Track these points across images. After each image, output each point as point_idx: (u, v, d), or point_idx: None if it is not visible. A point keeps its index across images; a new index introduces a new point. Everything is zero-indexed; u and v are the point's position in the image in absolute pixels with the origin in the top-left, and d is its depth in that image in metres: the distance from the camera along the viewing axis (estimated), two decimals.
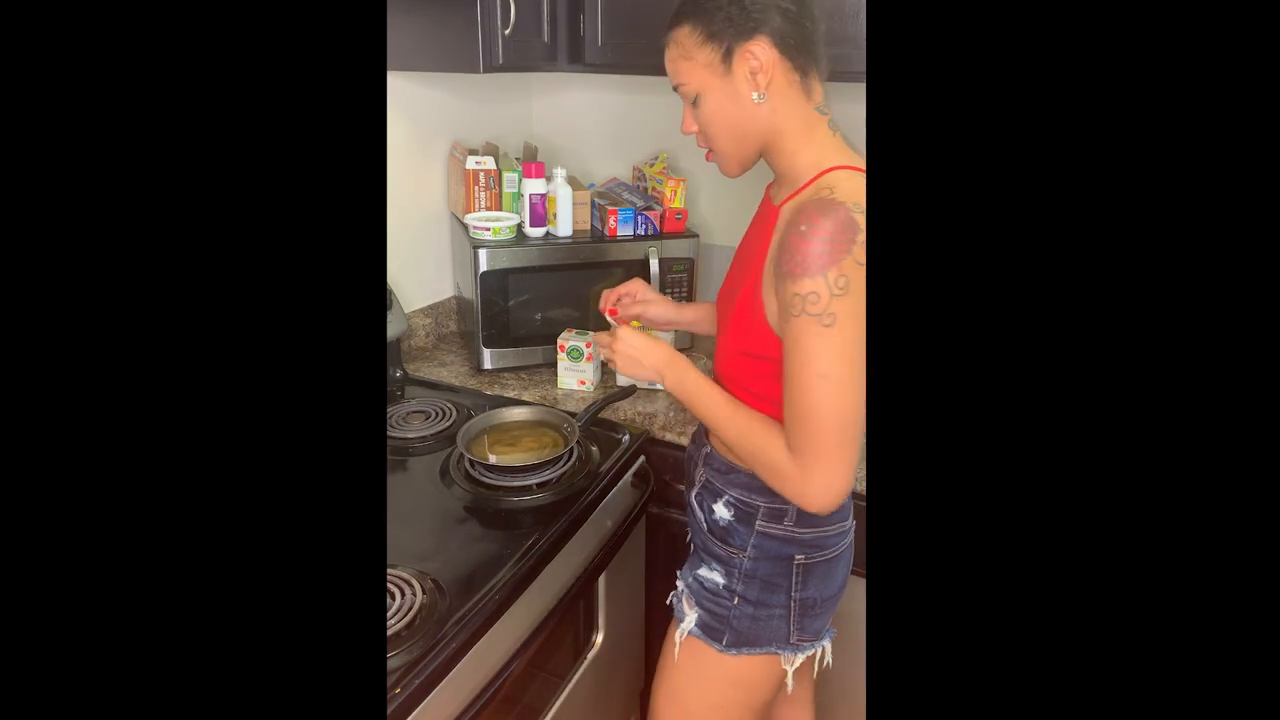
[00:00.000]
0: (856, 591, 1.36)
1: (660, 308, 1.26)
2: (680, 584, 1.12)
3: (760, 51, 0.87)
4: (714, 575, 1.04)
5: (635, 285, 1.25)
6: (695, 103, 0.93)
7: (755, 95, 0.89)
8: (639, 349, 1.04)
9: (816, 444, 0.85)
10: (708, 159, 0.99)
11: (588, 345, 1.53)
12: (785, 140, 0.92)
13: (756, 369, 0.94)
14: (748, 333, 0.93)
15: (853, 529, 1.07)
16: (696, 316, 1.28)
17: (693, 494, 1.10)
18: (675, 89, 0.95)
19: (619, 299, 1.24)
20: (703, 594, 1.05)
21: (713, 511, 1.05)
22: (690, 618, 1.06)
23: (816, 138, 0.92)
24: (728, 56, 0.89)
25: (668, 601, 1.15)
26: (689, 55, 0.91)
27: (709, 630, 1.04)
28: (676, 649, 1.08)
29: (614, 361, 1.06)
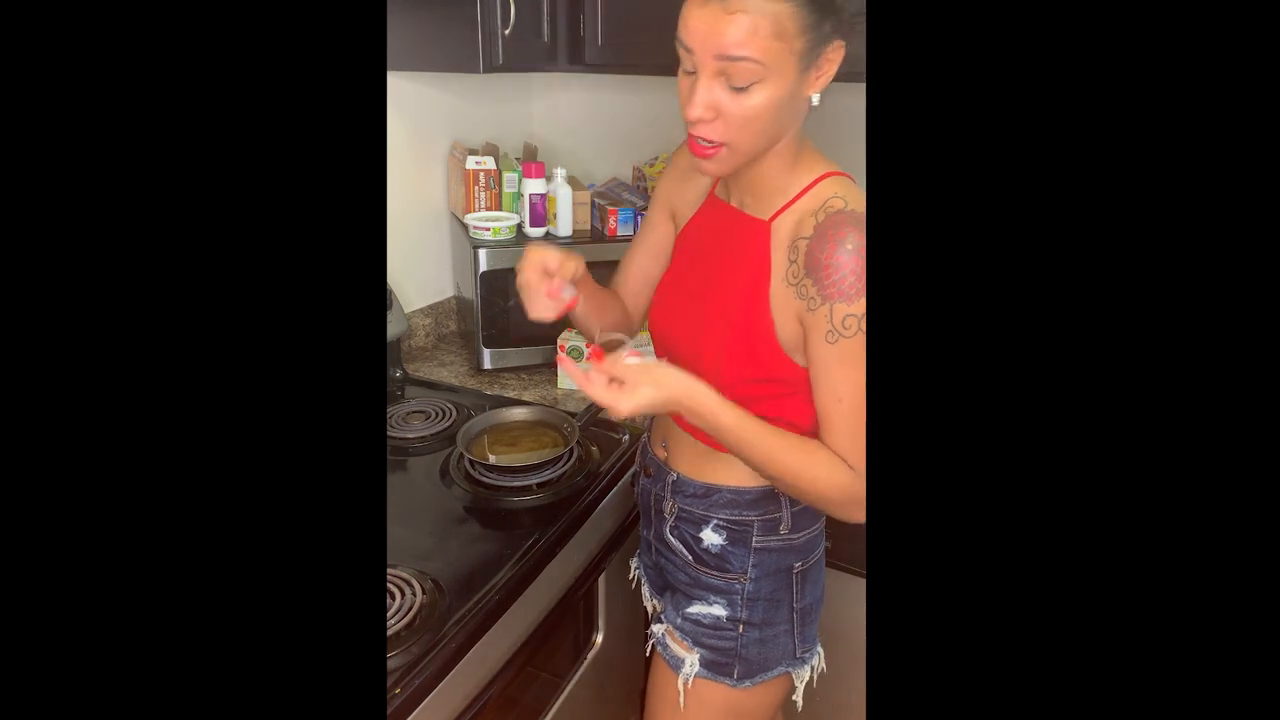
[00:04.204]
0: (851, 592, 1.36)
1: (576, 264, 0.96)
2: (660, 629, 1.03)
3: (837, 54, 0.79)
4: (712, 609, 0.98)
5: (540, 259, 0.91)
6: (746, 88, 0.76)
7: (816, 98, 0.81)
8: (654, 402, 0.82)
9: None
10: (704, 154, 0.82)
11: (588, 345, 1.52)
12: (789, 147, 0.85)
13: (762, 393, 0.88)
14: (754, 359, 0.87)
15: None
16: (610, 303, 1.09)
17: (666, 529, 1.02)
18: (728, 58, 0.75)
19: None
20: (701, 631, 0.98)
21: (700, 541, 0.98)
22: (691, 660, 0.99)
23: (805, 144, 0.88)
24: (818, 51, 0.77)
25: (648, 652, 1.07)
26: (784, 35, 0.74)
27: (716, 667, 0.98)
28: (682, 697, 1.00)
29: (619, 408, 0.82)
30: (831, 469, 0.83)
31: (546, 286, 0.91)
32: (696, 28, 0.76)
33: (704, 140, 0.81)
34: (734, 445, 0.85)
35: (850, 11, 0.78)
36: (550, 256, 0.92)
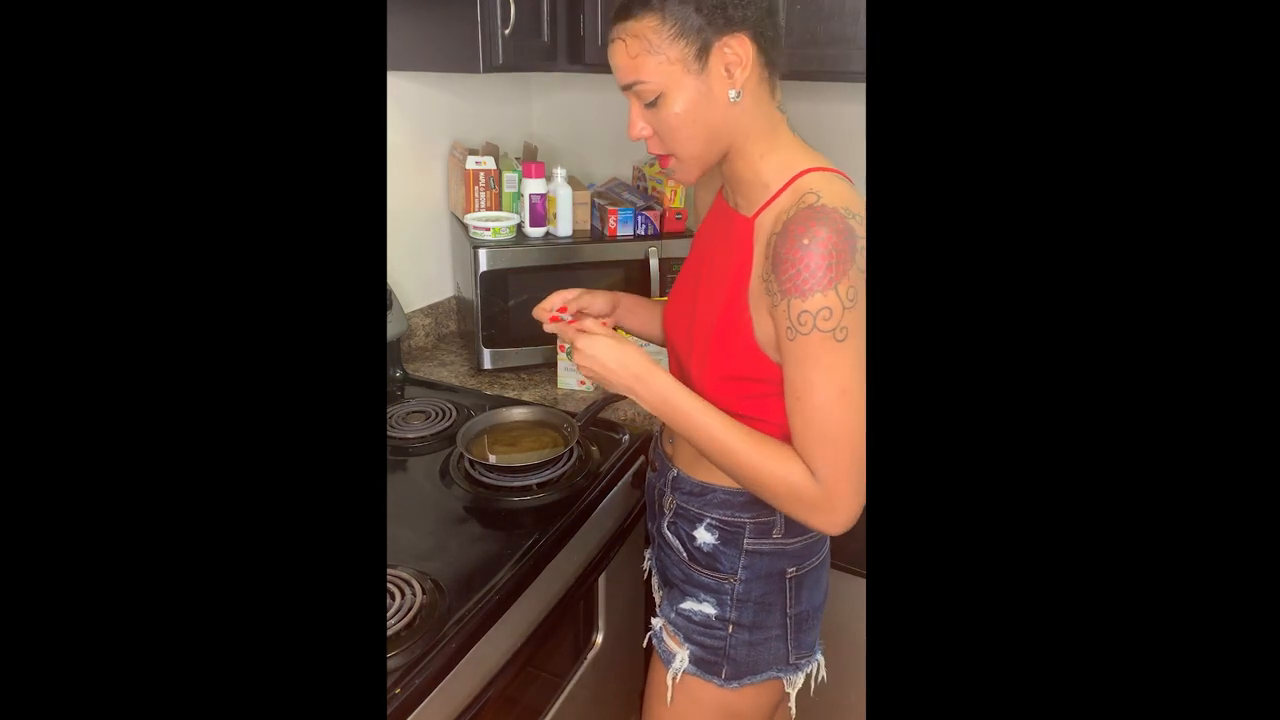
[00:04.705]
0: (851, 592, 1.36)
1: (605, 301, 1.11)
2: (658, 622, 1.05)
3: (740, 46, 0.81)
4: (703, 607, 0.98)
5: (561, 296, 1.06)
6: (655, 103, 0.83)
7: (732, 93, 0.82)
8: (602, 357, 0.90)
9: (845, 463, 0.79)
10: (663, 165, 0.90)
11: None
12: (752, 143, 0.86)
13: (744, 392, 0.88)
14: (732, 356, 0.88)
15: None
16: (650, 314, 1.16)
17: (664, 524, 1.04)
18: (627, 88, 0.85)
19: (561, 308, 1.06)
20: (692, 628, 0.99)
21: (693, 538, 0.99)
22: (681, 656, 1.00)
23: (781, 139, 0.87)
24: (704, 51, 0.80)
25: (644, 644, 1.08)
26: (655, 50, 0.81)
27: (705, 665, 0.98)
28: (670, 692, 1.01)
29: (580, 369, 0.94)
30: (784, 466, 0.83)
31: (550, 316, 1.04)
32: (610, 64, 0.87)
33: (655, 154, 0.90)
34: (686, 427, 0.88)
35: (733, 4, 0.80)
36: (569, 294, 1.06)
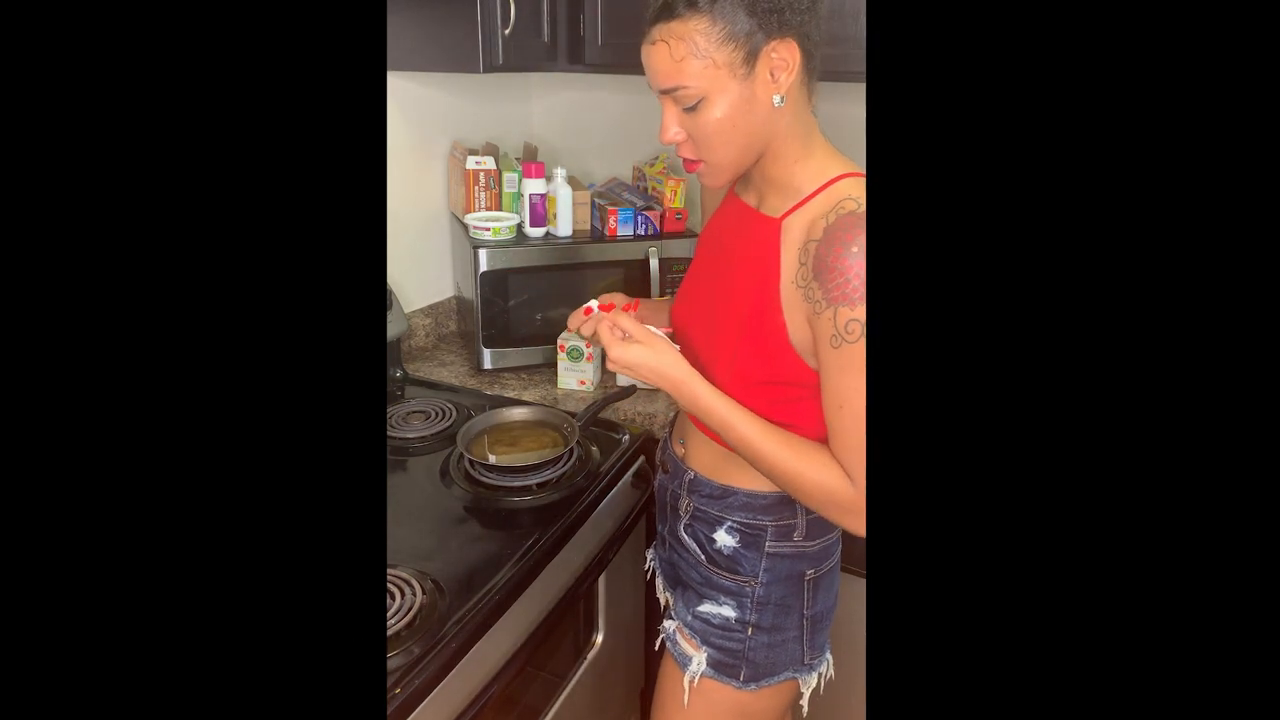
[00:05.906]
0: (854, 593, 1.36)
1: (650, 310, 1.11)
2: (671, 625, 1.04)
3: (788, 51, 0.79)
4: (722, 610, 0.98)
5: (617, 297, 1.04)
6: (695, 108, 0.81)
7: (777, 99, 0.81)
8: (637, 364, 0.88)
9: None
10: (691, 169, 0.88)
11: (588, 345, 1.52)
12: (788, 147, 0.85)
13: (775, 396, 0.88)
14: (766, 360, 0.87)
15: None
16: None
17: (680, 527, 1.03)
18: (666, 91, 0.82)
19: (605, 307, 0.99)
20: (710, 631, 0.99)
21: (713, 541, 0.98)
22: (699, 659, 0.99)
23: (816, 144, 0.86)
24: (752, 56, 0.78)
25: (656, 646, 1.07)
26: (702, 54, 0.78)
27: (723, 668, 0.98)
28: (686, 695, 1.00)
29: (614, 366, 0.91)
30: (820, 470, 0.82)
31: (585, 309, 0.98)
32: (645, 65, 0.83)
33: (685, 158, 0.87)
34: (722, 431, 0.87)
35: (790, 8, 0.78)
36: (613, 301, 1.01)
